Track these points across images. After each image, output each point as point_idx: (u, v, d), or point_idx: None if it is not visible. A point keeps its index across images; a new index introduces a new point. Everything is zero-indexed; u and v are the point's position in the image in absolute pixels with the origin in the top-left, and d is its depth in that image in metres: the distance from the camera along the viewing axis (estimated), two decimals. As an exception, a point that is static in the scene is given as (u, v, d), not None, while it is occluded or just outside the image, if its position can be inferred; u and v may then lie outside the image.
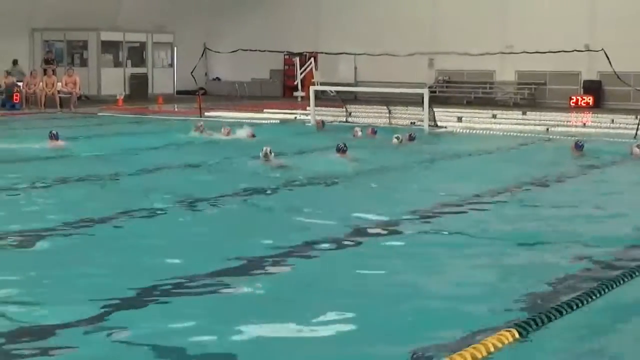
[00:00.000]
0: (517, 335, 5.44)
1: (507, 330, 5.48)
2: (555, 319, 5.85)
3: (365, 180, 13.06)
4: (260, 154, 13.92)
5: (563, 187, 12.61)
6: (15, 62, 30.00)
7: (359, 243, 8.44)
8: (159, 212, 9.96)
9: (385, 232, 8.97)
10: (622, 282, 6.93)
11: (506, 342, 5.34)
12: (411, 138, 18.28)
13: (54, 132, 16.59)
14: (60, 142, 16.32)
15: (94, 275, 7.07)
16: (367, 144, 17.64)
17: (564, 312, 5.98)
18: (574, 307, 6.11)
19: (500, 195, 11.42)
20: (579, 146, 16.26)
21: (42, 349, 5.29)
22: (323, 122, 22.00)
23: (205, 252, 7.96)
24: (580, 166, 14.87)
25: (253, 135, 18.41)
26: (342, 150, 14.95)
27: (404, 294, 6.66)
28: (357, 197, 11.57)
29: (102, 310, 6.00)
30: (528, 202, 11.10)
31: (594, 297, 6.40)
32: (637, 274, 7.18)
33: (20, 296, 6.46)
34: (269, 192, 11.49)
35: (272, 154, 13.94)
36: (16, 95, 27.30)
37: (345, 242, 8.42)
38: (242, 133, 18.69)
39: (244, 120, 22.41)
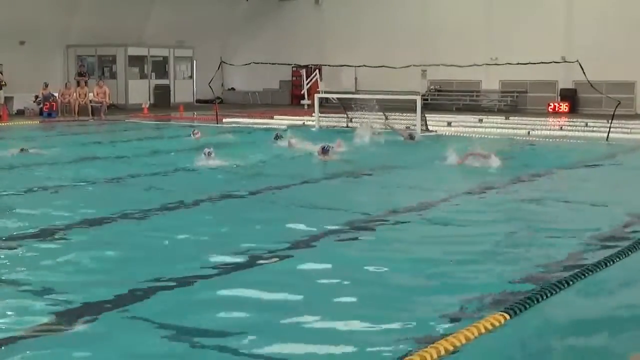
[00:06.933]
0: (507, 318, 5.39)
1: (500, 314, 5.43)
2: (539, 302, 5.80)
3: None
4: (203, 154, 14.02)
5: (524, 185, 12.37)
6: None
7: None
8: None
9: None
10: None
11: (497, 324, 5.28)
12: (411, 137, 17.87)
13: None
14: None
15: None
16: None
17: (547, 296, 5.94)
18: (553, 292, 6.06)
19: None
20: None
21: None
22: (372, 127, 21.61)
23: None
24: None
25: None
26: (326, 150, 14.92)
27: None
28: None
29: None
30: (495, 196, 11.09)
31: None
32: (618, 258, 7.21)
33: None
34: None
35: (212, 154, 14.06)
36: (47, 105, 27.06)
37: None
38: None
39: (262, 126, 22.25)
